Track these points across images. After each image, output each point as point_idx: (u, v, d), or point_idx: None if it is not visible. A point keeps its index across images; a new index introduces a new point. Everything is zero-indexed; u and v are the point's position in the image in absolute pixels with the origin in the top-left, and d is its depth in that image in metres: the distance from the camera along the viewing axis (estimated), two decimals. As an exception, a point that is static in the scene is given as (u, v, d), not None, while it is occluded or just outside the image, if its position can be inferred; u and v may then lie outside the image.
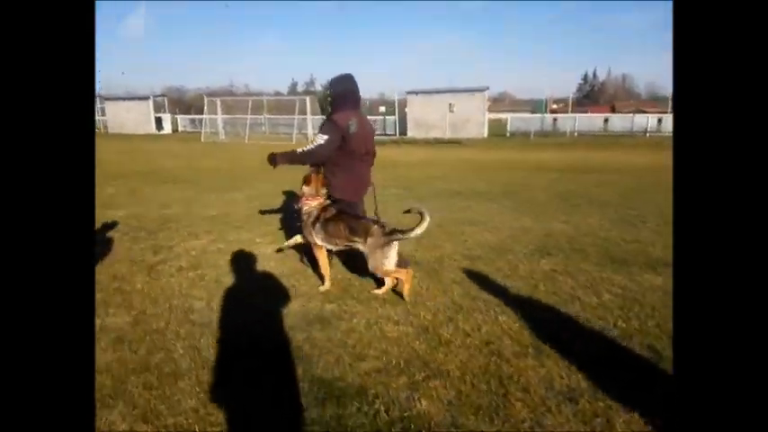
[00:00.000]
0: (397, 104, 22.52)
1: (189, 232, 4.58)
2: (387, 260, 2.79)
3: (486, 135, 20.22)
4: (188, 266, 3.54)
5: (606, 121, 22.78)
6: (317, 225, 3.01)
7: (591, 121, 23.41)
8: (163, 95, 29.86)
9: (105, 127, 26.99)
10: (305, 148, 2.99)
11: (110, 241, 4.29)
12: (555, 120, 23.01)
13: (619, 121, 22.98)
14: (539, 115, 24.17)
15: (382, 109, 27.01)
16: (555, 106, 29.09)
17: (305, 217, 3.09)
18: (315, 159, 3.01)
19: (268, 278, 3.30)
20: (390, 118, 23.25)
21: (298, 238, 3.25)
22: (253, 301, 2.86)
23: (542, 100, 27.87)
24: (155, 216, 5.30)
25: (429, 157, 13.32)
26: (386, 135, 21.65)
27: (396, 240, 2.80)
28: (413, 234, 2.69)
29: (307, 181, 3.09)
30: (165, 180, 8.30)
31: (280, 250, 3.64)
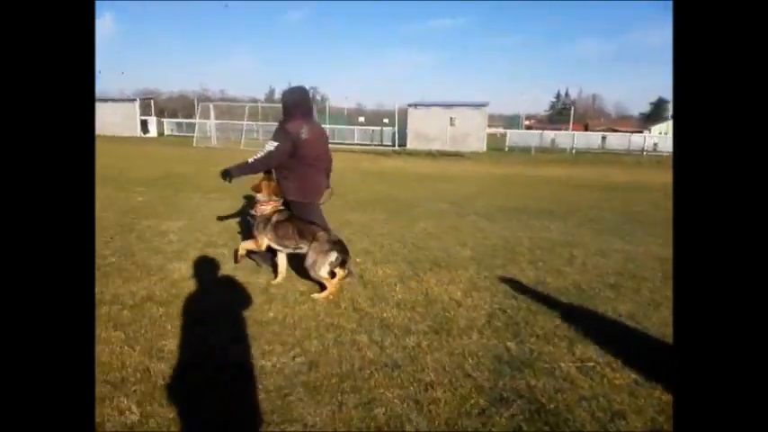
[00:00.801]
0: (397, 116, 22.30)
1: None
2: (323, 266, 2.95)
3: (485, 149, 20.28)
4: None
5: (604, 138, 23.29)
6: (268, 227, 3.16)
7: (588, 138, 23.89)
8: (149, 98, 28.61)
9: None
10: (255, 157, 3.14)
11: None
12: (554, 137, 23.35)
13: (616, 140, 23.57)
14: (537, 132, 24.62)
15: (386, 120, 26.72)
16: (528, 122, 29.87)
17: (258, 220, 3.23)
18: (267, 166, 3.17)
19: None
20: (389, 129, 23.11)
21: (247, 244, 3.30)
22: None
23: (518, 116, 29.40)
24: (219, 229, 4.73)
25: (444, 170, 13.07)
26: (384, 145, 21.45)
27: (334, 252, 2.98)
28: (350, 264, 3.11)
29: (256, 188, 3.23)
30: (190, 187, 7.65)
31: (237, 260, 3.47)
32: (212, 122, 22.02)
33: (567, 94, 72.03)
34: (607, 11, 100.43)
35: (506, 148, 22.18)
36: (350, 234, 4.40)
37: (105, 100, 26.02)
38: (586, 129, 35.23)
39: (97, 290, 2.88)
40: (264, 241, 3.18)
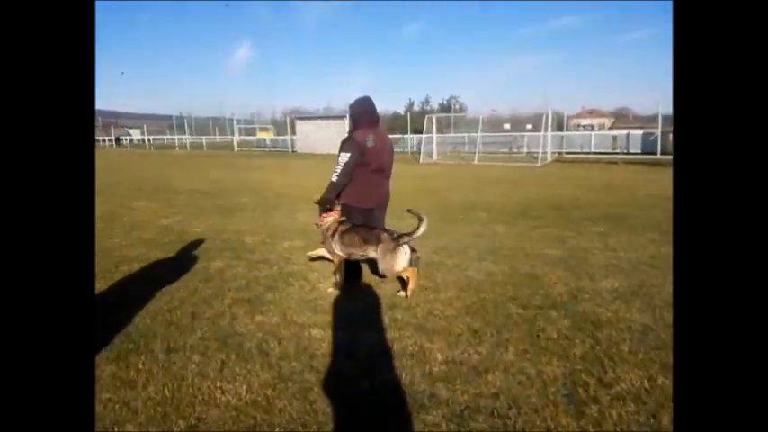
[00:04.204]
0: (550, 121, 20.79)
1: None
2: (396, 262, 3.13)
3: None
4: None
5: None
6: (335, 237, 3.31)
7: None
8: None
9: (293, 147, 27.05)
10: (336, 173, 3.26)
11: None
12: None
13: None
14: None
15: (530, 126, 25.19)
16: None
17: (324, 234, 3.40)
18: (348, 177, 3.28)
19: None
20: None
21: (320, 251, 3.56)
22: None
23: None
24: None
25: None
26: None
27: (404, 244, 3.14)
28: (417, 234, 3.11)
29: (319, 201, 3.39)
30: (483, 213, 7.90)
31: (312, 259, 3.87)
32: (434, 136, 20.81)
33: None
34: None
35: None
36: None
37: (314, 118, 26.37)
38: None
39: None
40: (337, 254, 3.33)
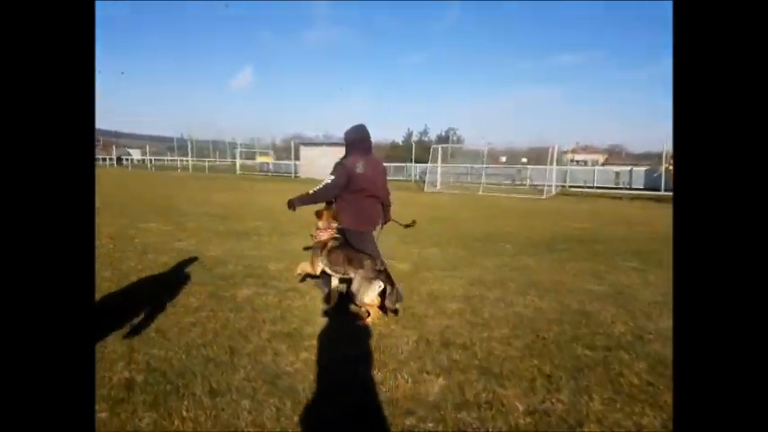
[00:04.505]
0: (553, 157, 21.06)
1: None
2: (367, 294, 3.14)
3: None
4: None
5: None
6: (324, 252, 3.37)
7: None
8: None
9: (296, 172, 28.15)
10: (316, 189, 3.38)
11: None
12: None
13: None
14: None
15: (524, 160, 25.77)
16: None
17: (315, 246, 3.45)
18: (325, 197, 3.41)
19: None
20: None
21: (305, 266, 3.55)
22: None
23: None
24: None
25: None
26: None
27: (379, 281, 3.16)
28: (397, 288, 3.29)
29: (319, 216, 3.48)
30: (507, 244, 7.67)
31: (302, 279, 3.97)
32: (438, 166, 20.99)
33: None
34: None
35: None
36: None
37: (317, 144, 27.05)
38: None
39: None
40: (319, 266, 3.40)
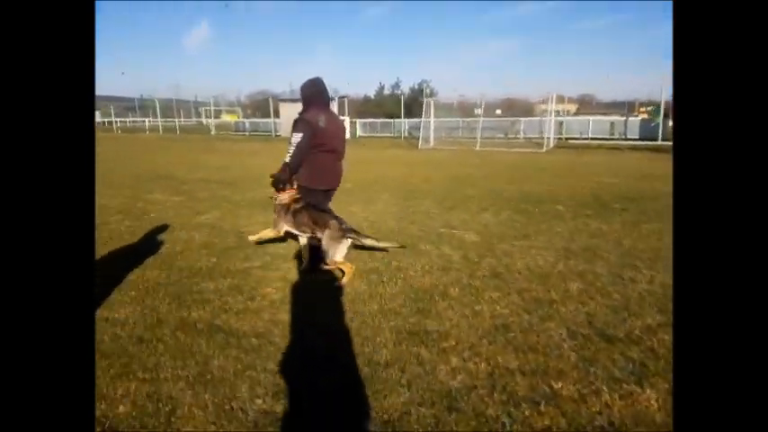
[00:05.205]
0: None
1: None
2: (337, 252, 3.14)
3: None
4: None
5: None
6: (288, 214, 3.32)
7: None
8: (344, 96, 26.41)
9: (276, 130, 25.82)
10: (289, 154, 3.24)
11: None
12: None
13: None
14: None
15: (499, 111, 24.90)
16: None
17: (278, 208, 3.39)
18: (302, 158, 3.26)
19: None
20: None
21: (264, 233, 3.53)
22: None
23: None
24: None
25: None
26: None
27: (349, 237, 3.19)
28: (367, 241, 3.38)
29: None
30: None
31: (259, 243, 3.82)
32: (432, 121, 19.76)
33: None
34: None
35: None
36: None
37: (297, 100, 25.18)
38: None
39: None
40: (283, 227, 3.39)
